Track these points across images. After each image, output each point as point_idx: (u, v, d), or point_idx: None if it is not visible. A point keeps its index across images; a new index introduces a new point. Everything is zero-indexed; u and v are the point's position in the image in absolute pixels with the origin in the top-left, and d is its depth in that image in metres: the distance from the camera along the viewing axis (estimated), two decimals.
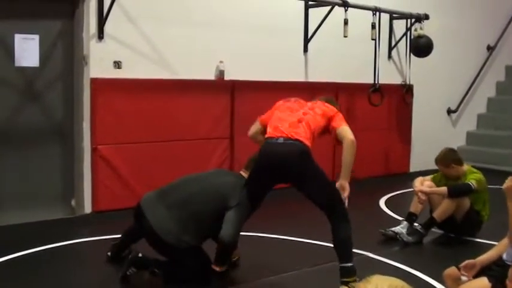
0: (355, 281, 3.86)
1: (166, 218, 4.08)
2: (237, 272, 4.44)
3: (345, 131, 4.09)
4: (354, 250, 4.44)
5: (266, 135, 4.17)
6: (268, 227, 5.15)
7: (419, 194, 5.29)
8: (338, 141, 4.16)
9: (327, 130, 4.21)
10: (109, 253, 4.62)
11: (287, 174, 4.02)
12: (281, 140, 4.02)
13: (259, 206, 4.18)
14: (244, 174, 4.36)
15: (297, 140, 4.00)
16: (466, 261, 3.36)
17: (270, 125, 4.21)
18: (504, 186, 3.30)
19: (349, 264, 3.94)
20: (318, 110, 4.22)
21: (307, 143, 4.03)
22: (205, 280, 4.18)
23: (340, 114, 4.25)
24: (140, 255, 4.16)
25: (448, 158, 5.40)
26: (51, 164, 6.04)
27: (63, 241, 5.09)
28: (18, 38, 5.72)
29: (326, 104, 4.31)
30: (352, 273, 3.92)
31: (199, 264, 4.16)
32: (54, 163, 6.06)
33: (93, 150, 6.06)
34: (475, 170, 5.41)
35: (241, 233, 4.59)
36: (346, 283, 3.90)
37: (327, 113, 4.21)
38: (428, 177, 5.57)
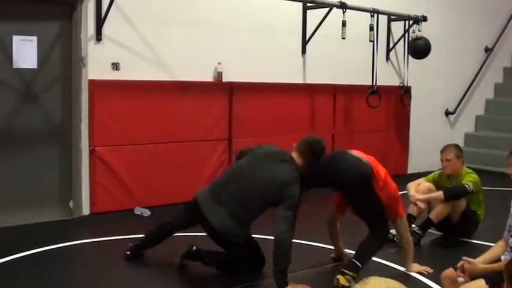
0: (353, 278, 3.95)
1: (224, 217, 4.12)
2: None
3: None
4: (352, 252, 4.47)
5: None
6: (269, 229, 5.14)
7: (418, 203, 5.25)
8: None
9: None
10: (128, 252, 4.63)
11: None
12: None
13: None
14: (296, 157, 4.26)
15: None
16: (462, 261, 3.36)
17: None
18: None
19: (359, 264, 4.08)
20: None
21: None
22: (258, 271, 4.36)
23: None
24: (194, 248, 4.37)
25: (460, 152, 5.42)
26: (49, 165, 6.03)
27: (61, 243, 5.08)
28: (16, 39, 5.73)
29: None
30: (356, 270, 4.04)
31: (257, 256, 4.34)
32: (52, 164, 6.06)
33: (91, 151, 6.06)
34: (470, 171, 5.42)
35: None
36: (344, 273, 4.01)
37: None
38: (422, 179, 5.56)
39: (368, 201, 4.17)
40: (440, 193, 5.23)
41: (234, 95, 7.03)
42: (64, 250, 4.97)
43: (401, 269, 4.53)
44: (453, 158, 5.37)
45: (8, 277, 4.28)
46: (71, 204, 6.14)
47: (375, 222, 4.24)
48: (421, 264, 4.54)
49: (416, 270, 4.46)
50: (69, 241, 5.15)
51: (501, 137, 9.71)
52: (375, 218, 4.23)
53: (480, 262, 3.37)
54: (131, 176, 6.26)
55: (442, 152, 5.48)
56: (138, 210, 6.20)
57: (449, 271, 3.43)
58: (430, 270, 4.43)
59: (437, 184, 5.44)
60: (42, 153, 5.97)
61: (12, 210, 5.72)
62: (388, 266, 4.61)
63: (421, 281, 4.30)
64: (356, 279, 3.96)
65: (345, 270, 4.03)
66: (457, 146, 5.52)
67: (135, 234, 5.25)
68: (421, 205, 5.25)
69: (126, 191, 6.23)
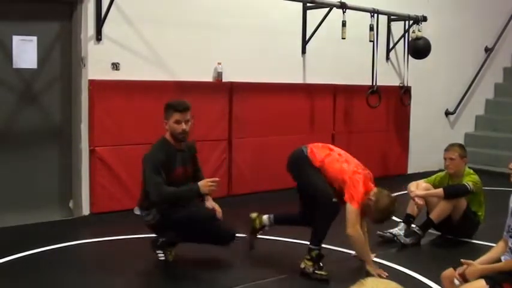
0: (309, 258, 4.29)
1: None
2: (239, 272, 4.45)
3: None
4: (351, 252, 4.47)
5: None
6: (269, 229, 5.16)
7: (416, 199, 5.27)
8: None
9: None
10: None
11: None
12: None
13: None
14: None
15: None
16: (463, 266, 3.34)
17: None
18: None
19: (313, 246, 4.34)
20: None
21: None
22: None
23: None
24: (162, 239, 4.57)
25: (464, 152, 5.43)
26: (49, 165, 6.03)
27: (61, 243, 5.08)
28: (16, 39, 5.73)
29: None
30: (308, 251, 4.33)
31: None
32: (52, 165, 6.06)
33: (91, 151, 6.06)
34: (471, 172, 5.42)
35: (243, 235, 4.77)
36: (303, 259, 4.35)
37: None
38: (422, 180, 5.56)
39: (306, 177, 4.49)
40: (440, 190, 5.23)
41: (234, 95, 7.03)
42: (64, 250, 4.97)
43: (401, 269, 4.53)
44: (457, 157, 5.37)
45: (8, 277, 4.29)
46: (71, 204, 6.14)
47: (317, 198, 4.36)
48: (421, 264, 4.54)
49: (372, 271, 4.35)
50: (69, 241, 5.15)
51: (501, 137, 9.71)
52: (315, 193, 4.39)
53: (480, 263, 3.36)
54: (131, 176, 6.25)
55: (446, 150, 5.47)
56: (138, 210, 6.18)
57: (449, 271, 3.43)
58: (386, 274, 4.33)
59: (437, 187, 5.42)
60: (42, 153, 5.97)
61: (12, 210, 5.71)
62: (386, 266, 4.61)
63: (421, 281, 4.30)
64: (322, 259, 4.26)
65: (304, 257, 4.34)
66: (461, 146, 5.52)
67: (135, 234, 5.26)
68: (419, 201, 5.25)
69: (126, 191, 6.23)
